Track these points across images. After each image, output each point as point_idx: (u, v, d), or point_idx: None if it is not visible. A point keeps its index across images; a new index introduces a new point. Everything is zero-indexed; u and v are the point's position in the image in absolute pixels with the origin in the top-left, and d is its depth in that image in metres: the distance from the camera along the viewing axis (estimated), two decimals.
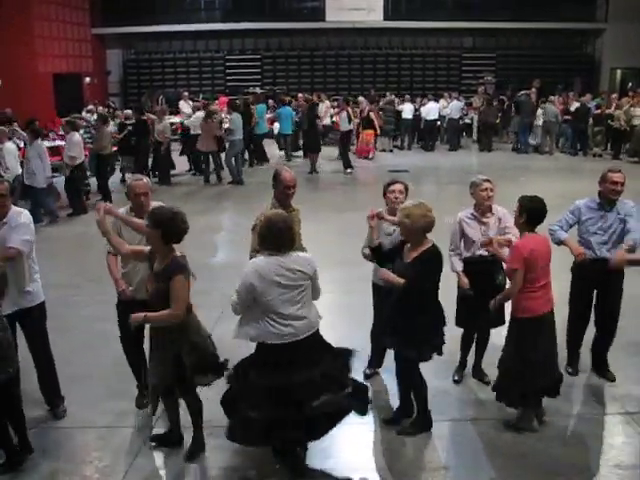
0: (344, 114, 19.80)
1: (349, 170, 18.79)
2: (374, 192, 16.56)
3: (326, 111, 22.66)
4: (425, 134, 23.76)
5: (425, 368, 5.59)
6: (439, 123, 24.08)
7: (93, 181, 15.96)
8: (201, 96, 26.61)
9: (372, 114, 20.88)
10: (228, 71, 30.46)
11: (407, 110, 23.23)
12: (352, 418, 5.27)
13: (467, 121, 25.52)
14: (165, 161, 17.63)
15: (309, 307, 4.91)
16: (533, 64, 29.31)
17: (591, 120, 21.10)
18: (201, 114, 18.03)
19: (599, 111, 21.09)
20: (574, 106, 22.17)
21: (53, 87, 25.12)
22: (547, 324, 5.47)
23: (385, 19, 28.68)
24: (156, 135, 17.06)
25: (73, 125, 14.14)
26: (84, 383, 6.58)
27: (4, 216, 5.74)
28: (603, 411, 6.01)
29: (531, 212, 5.41)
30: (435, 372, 5.99)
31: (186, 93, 25.05)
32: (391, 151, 22.93)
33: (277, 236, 4.76)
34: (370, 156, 21.15)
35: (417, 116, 23.55)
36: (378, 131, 21.42)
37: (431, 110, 23.23)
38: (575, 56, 30.05)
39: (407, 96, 24.34)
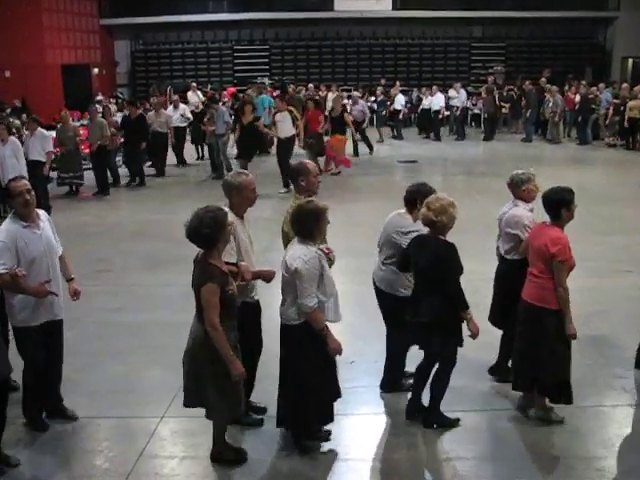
0: (285, 115, 15.59)
1: (283, 190, 14.54)
2: (380, 183, 16.72)
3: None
4: (433, 124, 23.67)
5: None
6: (447, 113, 24.05)
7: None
8: (209, 87, 26.58)
9: (347, 114, 17.55)
10: (236, 61, 30.39)
11: (398, 101, 23.43)
12: (363, 408, 5.29)
13: (476, 111, 25.44)
14: (165, 152, 17.62)
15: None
16: (543, 54, 29.22)
17: (611, 110, 20.85)
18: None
19: (617, 100, 20.89)
20: (577, 96, 22.17)
21: (61, 78, 25.14)
22: None
23: (394, 9, 28.55)
24: (157, 127, 16.85)
25: (37, 121, 13.71)
26: (93, 374, 6.59)
27: (37, 215, 5.43)
28: (616, 403, 5.99)
29: None
30: None
31: (194, 84, 25.03)
32: (382, 141, 22.80)
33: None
34: (337, 170, 17.21)
35: (412, 107, 23.88)
36: (348, 137, 17.88)
37: (436, 100, 23.18)
38: (586, 45, 29.84)
39: (397, 85, 24.59)
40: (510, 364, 6.07)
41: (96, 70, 28.12)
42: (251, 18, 28.85)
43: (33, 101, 20.90)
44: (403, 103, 23.58)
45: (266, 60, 30.32)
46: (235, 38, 30.64)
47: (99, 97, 22.60)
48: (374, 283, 6.04)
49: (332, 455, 5.23)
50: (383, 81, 26.32)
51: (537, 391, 5.57)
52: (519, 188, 6.11)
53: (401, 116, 23.79)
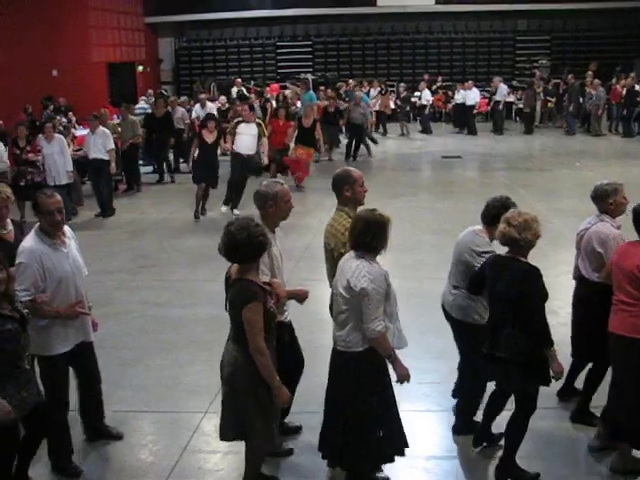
0: (251, 127, 12.71)
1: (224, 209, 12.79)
2: (424, 178, 16.64)
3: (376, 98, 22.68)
4: (468, 118, 23.55)
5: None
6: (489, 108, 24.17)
7: None
8: (252, 83, 26.70)
9: (319, 128, 15.13)
10: (279, 58, 30.44)
11: (424, 96, 23.95)
12: (404, 405, 5.24)
13: (520, 106, 25.13)
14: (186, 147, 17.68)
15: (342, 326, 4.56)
16: (590, 46, 28.66)
17: None
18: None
19: None
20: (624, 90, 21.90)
21: (107, 76, 25.48)
22: None
23: (437, 3, 28.24)
24: (175, 123, 16.83)
25: (99, 119, 13.63)
26: (137, 367, 6.67)
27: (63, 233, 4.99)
28: None
29: None
30: None
31: (239, 79, 25.13)
32: (407, 135, 22.89)
33: None
34: (302, 183, 14.91)
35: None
36: (322, 148, 16.13)
37: (471, 95, 23.17)
38: (634, 36, 29.11)
39: (423, 83, 24.82)
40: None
41: (140, 68, 28.42)
42: (294, 14, 28.90)
43: (79, 100, 21.19)
44: (429, 98, 24.02)
45: (309, 56, 30.29)
46: (278, 34, 30.70)
47: (142, 97, 22.88)
48: (444, 309, 5.44)
49: None
50: (426, 76, 26.19)
51: (630, 443, 4.87)
52: (605, 201, 5.38)
53: (427, 111, 24.09)
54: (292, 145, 15.20)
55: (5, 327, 4.19)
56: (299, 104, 19.55)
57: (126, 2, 27.56)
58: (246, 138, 12.56)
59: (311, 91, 19.93)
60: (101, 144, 12.90)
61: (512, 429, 4.82)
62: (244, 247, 4.21)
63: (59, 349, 4.91)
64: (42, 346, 4.85)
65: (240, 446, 5.16)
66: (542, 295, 4.57)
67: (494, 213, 5.05)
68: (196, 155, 12.67)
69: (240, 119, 12.97)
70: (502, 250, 4.84)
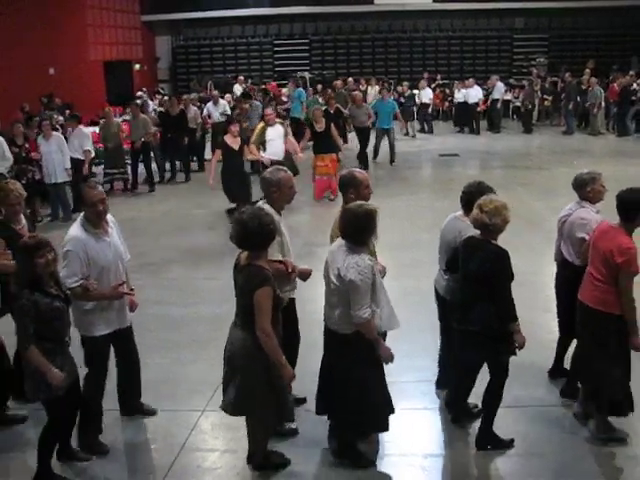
0: (278, 129, 11.90)
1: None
2: (423, 176, 16.62)
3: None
4: (471, 117, 23.42)
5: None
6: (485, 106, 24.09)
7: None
8: (249, 81, 26.68)
9: (334, 129, 13.34)
10: (276, 56, 30.48)
11: (425, 94, 23.44)
12: (402, 403, 5.25)
13: (517, 104, 25.12)
14: (200, 147, 17.55)
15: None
16: (588, 44, 28.74)
17: None
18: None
19: None
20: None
21: (104, 75, 25.45)
22: None
23: (434, 1, 28.30)
24: (188, 122, 16.61)
25: (78, 118, 13.78)
26: None
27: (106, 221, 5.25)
28: None
29: None
30: None
31: (242, 77, 25.05)
32: (414, 136, 22.49)
33: None
34: (332, 197, 12.98)
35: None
36: (341, 149, 14.06)
37: (473, 93, 23.00)
38: (632, 35, 29.13)
39: (423, 81, 24.29)
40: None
41: (137, 66, 28.39)
42: (291, 12, 28.90)
43: (76, 98, 21.15)
44: (431, 97, 23.71)
45: (306, 54, 30.32)
46: (275, 32, 30.70)
47: (139, 93, 22.80)
48: (437, 292, 5.76)
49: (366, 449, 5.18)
50: (426, 74, 26.13)
51: (595, 409, 5.26)
52: (584, 189, 5.73)
53: (429, 109, 23.74)
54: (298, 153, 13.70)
55: (54, 305, 4.59)
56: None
57: (123, 0, 27.54)
58: (278, 143, 11.79)
59: (300, 89, 19.76)
60: (77, 144, 12.93)
61: (489, 397, 5.14)
62: (255, 235, 4.43)
63: (101, 330, 5.20)
64: (85, 327, 5.19)
65: (238, 445, 5.21)
66: (509, 274, 4.89)
67: (468, 198, 5.37)
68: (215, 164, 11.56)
69: (263, 124, 12.09)
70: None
